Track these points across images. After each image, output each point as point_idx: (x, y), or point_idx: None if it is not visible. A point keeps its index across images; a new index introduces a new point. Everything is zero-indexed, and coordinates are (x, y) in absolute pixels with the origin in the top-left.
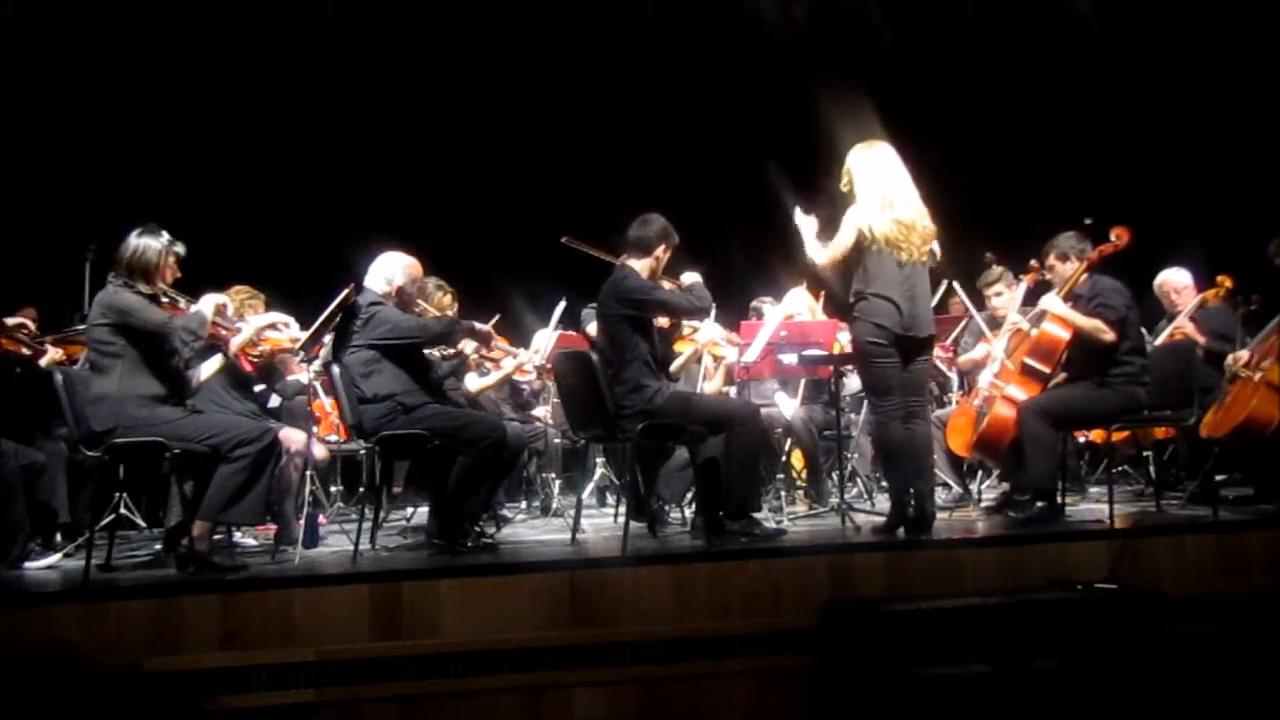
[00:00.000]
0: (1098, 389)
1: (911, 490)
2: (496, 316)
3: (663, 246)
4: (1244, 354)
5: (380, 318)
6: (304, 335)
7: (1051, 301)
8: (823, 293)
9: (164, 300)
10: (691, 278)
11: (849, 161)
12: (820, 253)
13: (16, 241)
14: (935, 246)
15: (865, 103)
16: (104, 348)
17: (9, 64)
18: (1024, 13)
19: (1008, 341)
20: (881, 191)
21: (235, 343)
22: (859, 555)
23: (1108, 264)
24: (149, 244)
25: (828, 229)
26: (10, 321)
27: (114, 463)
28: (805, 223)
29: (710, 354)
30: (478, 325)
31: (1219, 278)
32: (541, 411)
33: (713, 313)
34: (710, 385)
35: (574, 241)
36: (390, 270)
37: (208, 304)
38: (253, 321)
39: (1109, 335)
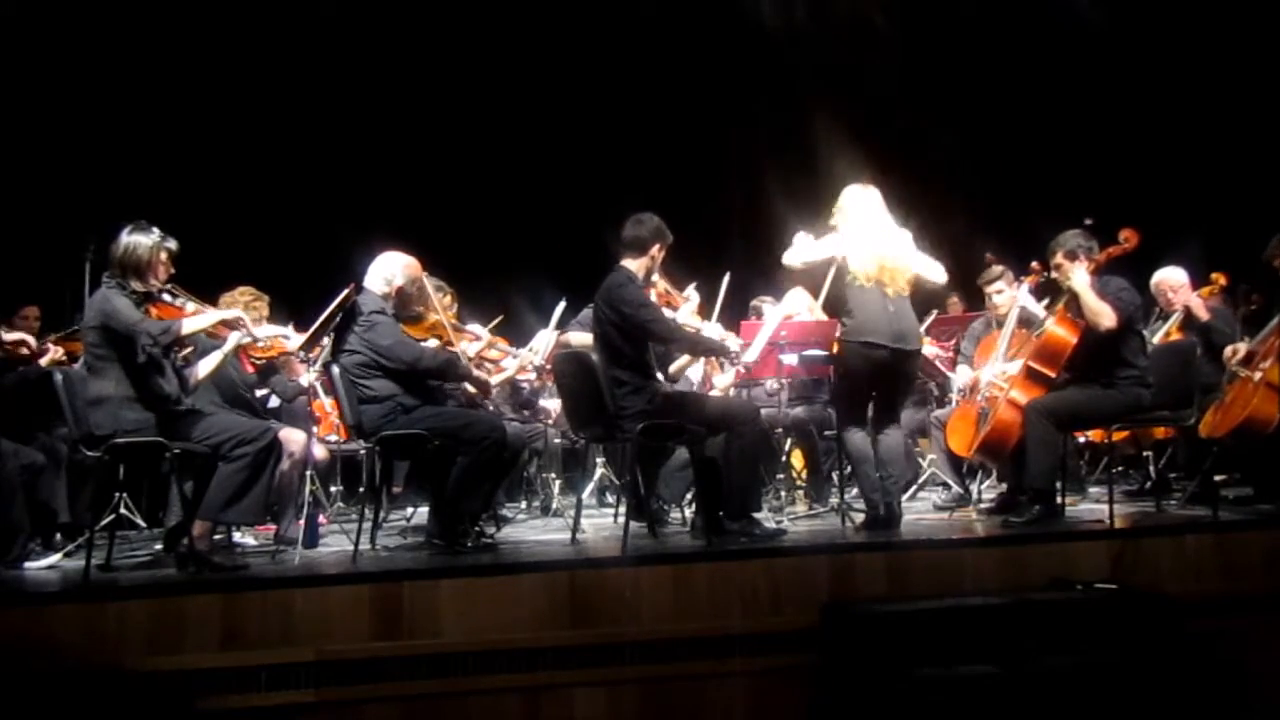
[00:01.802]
0: (1104, 390)
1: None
2: (499, 318)
3: (657, 245)
4: (1243, 347)
5: (381, 331)
6: (303, 336)
7: (1080, 278)
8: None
9: (164, 299)
10: (732, 342)
11: (842, 199)
12: (795, 258)
13: (16, 241)
14: (938, 274)
15: (865, 102)
16: (98, 351)
17: (8, 64)
18: (1025, 12)
19: (1008, 342)
20: (867, 233)
21: (231, 339)
22: (859, 555)
23: (1110, 264)
24: (139, 241)
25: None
26: (9, 338)
27: (114, 463)
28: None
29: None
30: (476, 373)
31: (1213, 275)
32: (551, 405)
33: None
34: (722, 380)
35: None
36: (390, 270)
37: (209, 317)
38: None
39: (1109, 320)
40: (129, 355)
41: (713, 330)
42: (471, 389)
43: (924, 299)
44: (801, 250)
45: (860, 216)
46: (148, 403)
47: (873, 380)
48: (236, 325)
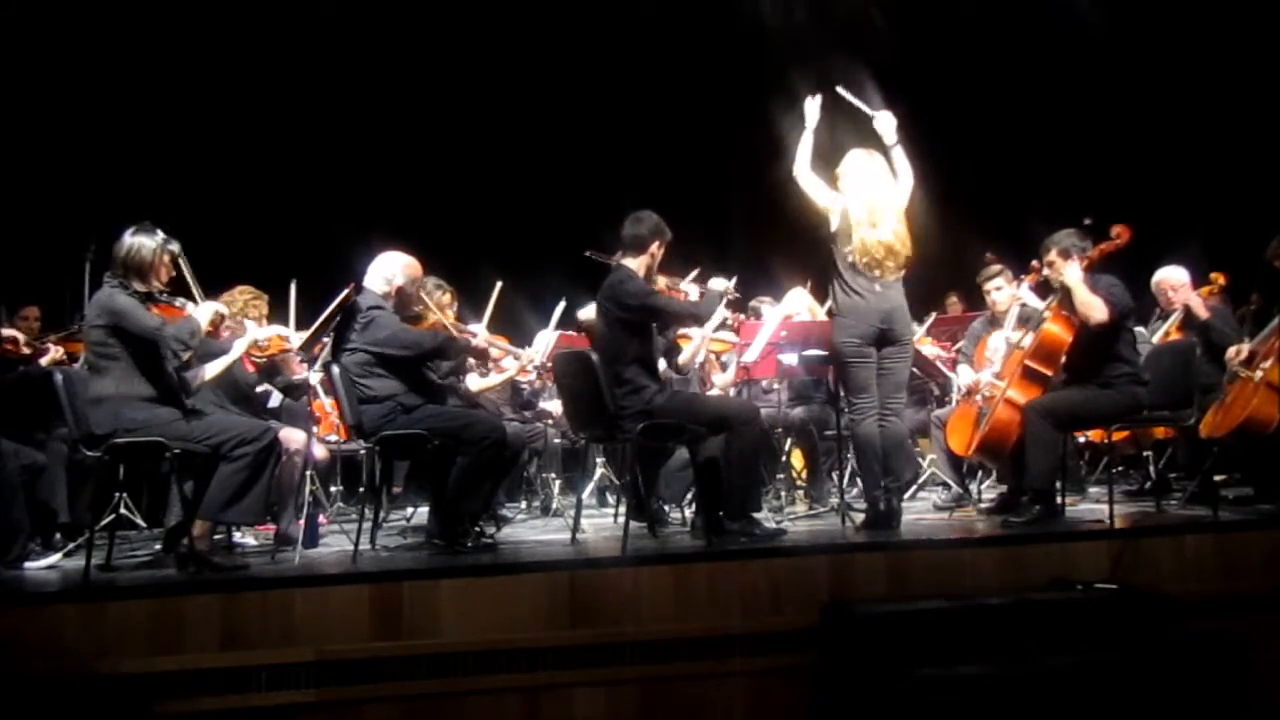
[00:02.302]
0: (1101, 390)
1: (880, 486)
2: (497, 284)
3: (656, 243)
4: (1245, 347)
5: (379, 323)
6: (304, 335)
7: (1073, 273)
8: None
9: (161, 300)
10: (719, 283)
11: (844, 165)
12: (804, 172)
13: (16, 241)
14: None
15: (864, 101)
16: (101, 349)
17: (9, 64)
18: (1023, 10)
19: (1010, 337)
20: (869, 208)
21: (238, 345)
22: (859, 555)
23: (1106, 263)
24: (143, 242)
25: (826, 169)
26: (6, 333)
27: (114, 463)
28: (811, 113)
29: (710, 348)
30: (474, 342)
31: (1212, 275)
32: (552, 406)
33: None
34: (721, 379)
35: (598, 254)
36: (390, 270)
37: (205, 311)
38: (256, 331)
39: (1101, 313)
40: (145, 355)
41: (715, 284)
42: (474, 391)
43: (924, 299)
44: (809, 178)
45: (858, 186)
46: (164, 400)
47: (864, 361)
48: (219, 321)
